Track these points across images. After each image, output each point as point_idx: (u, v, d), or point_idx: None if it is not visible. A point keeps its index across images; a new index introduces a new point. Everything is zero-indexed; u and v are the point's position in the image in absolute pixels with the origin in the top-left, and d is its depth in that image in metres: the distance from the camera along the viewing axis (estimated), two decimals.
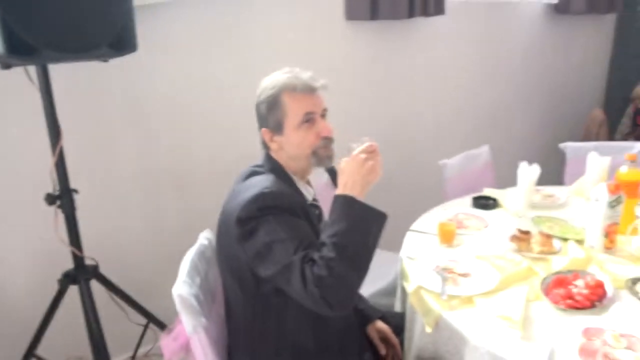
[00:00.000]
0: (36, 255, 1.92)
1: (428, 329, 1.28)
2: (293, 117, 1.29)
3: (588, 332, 1.13)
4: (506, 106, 3.26)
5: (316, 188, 1.60)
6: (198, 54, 2.13)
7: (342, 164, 1.21)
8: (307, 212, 1.27)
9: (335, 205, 1.17)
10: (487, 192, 2.03)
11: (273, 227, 1.16)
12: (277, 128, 1.31)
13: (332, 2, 2.42)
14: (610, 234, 1.49)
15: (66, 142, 1.64)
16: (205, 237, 1.49)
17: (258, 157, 1.40)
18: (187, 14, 2.05)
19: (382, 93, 2.71)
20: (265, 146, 1.37)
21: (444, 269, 1.42)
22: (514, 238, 1.53)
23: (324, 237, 1.14)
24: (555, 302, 1.26)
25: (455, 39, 2.89)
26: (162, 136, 2.12)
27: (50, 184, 1.66)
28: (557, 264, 1.44)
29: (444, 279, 1.35)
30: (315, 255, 1.11)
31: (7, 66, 1.43)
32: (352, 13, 2.41)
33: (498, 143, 2.72)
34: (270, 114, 1.31)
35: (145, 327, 2.00)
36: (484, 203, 1.92)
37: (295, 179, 1.36)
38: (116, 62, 1.62)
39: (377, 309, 1.62)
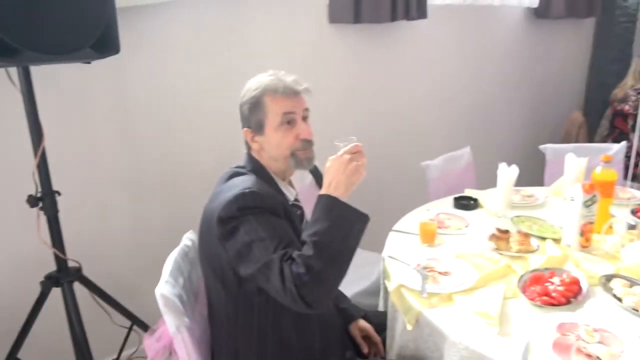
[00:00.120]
0: (18, 257, 1.90)
1: (409, 327, 1.30)
2: (273, 118, 1.32)
3: (562, 327, 1.16)
4: (487, 108, 3.32)
5: (300, 188, 1.62)
6: (182, 57, 2.13)
7: (328, 164, 1.22)
8: (289, 212, 1.29)
9: (318, 205, 1.18)
10: (469, 192, 2.07)
11: (253, 227, 1.17)
12: (258, 128, 1.34)
13: (315, 5, 2.44)
14: (585, 232, 1.53)
15: (49, 143, 1.63)
16: (189, 238, 1.50)
17: (241, 159, 1.42)
18: (170, 17, 2.06)
19: (365, 95, 2.74)
20: (248, 146, 1.39)
21: (425, 268, 1.44)
22: (493, 237, 1.57)
23: (305, 235, 1.15)
24: (532, 299, 1.29)
25: (438, 42, 2.93)
26: (146, 138, 2.12)
27: (32, 186, 1.65)
28: (535, 262, 1.48)
29: (424, 278, 1.38)
30: (295, 254, 1.12)
31: None
32: (336, 16, 2.43)
33: (480, 145, 2.77)
34: (252, 114, 1.34)
35: (130, 329, 1.99)
36: (465, 203, 1.96)
37: (277, 179, 1.38)
38: (99, 64, 1.62)
39: (360, 308, 1.64)
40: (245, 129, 1.37)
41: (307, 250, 1.11)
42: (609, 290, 1.33)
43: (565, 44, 3.64)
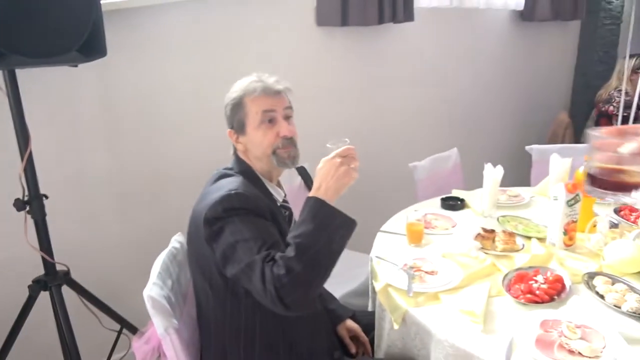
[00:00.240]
0: (5, 261, 1.89)
1: (395, 325, 1.31)
2: (253, 117, 1.35)
3: (545, 324, 1.18)
4: (475, 110, 3.35)
5: (289, 190, 1.63)
6: (169, 59, 2.13)
7: (319, 165, 1.22)
8: (275, 213, 1.30)
9: (305, 206, 1.18)
10: (456, 193, 2.09)
11: (238, 228, 1.18)
12: (240, 128, 1.37)
13: (303, 8, 2.45)
14: (569, 231, 1.56)
15: (35, 147, 1.63)
16: (177, 241, 1.51)
17: (230, 161, 1.44)
18: (157, 20, 2.06)
19: (353, 97, 2.76)
20: (235, 148, 1.41)
21: (411, 268, 1.46)
22: (479, 236, 1.59)
23: (289, 237, 1.16)
24: (516, 297, 1.31)
25: (425, 45, 2.96)
26: (133, 140, 2.12)
27: (19, 189, 1.64)
28: (520, 260, 1.50)
29: (411, 277, 1.39)
30: (277, 255, 1.13)
31: None
32: (323, 19, 2.45)
33: (467, 146, 2.80)
34: (233, 115, 1.38)
35: (119, 332, 1.98)
36: (452, 204, 1.98)
37: (264, 180, 1.40)
38: (86, 67, 1.63)
39: (349, 308, 1.66)
40: (229, 130, 1.41)
41: (289, 252, 1.12)
42: (591, 287, 1.35)
43: (551, 46, 3.69)
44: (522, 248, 1.58)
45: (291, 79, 1.44)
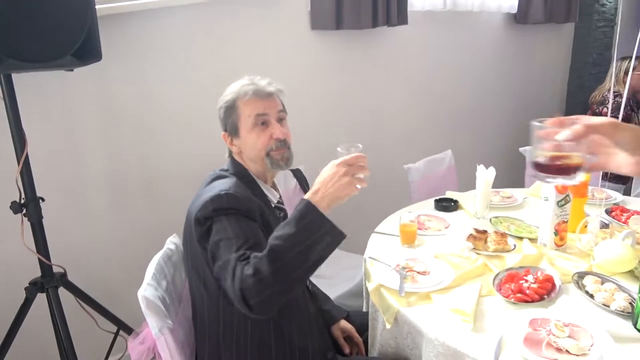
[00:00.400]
0: (2, 263, 1.90)
1: (388, 325, 1.33)
2: (246, 120, 1.37)
3: (534, 323, 1.19)
4: (469, 112, 3.37)
5: (285, 192, 1.65)
6: (164, 63, 2.16)
7: (326, 167, 1.17)
8: (266, 215, 1.31)
9: (296, 207, 1.15)
10: (449, 194, 2.11)
11: (224, 226, 1.19)
12: (234, 131, 1.39)
13: (297, 12, 2.48)
14: (559, 231, 1.58)
15: (32, 150, 1.65)
16: (172, 242, 1.52)
17: (225, 163, 1.46)
18: (152, 24, 2.08)
19: (348, 100, 2.78)
20: (230, 150, 1.43)
21: (404, 268, 1.47)
22: (471, 237, 1.60)
23: (270, 237, 1.13)
24: (506, 296, 1.32)
25: (419, 48, 2.98)
26: (129, 143, 2.14)
27: (16, 192, 1.66)
28: (511, 260, 1.51)
29: (403, 277, 1.41)
30: (252, 255, 1.11)
31: None
32: (317, 23, 2.47)
33: (461, 147, 2.82)
34: (227, 118, 1.41)
35: (116, 334, 1.99)
36: (446, 205, 2.00)
37: (259, 181, 1.42)
38: (82, 71, 1.64)
39: (343, 309, 1.67)
40: (223, 133, 1.43)
41: (262, 253, 1.09)
42: (581, 287, 1.37)
43: (546, 49, 3.71)
44: (514, 248, 1.60)
45: (286, 82, 1.46)
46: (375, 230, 1.82)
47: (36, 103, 1.84)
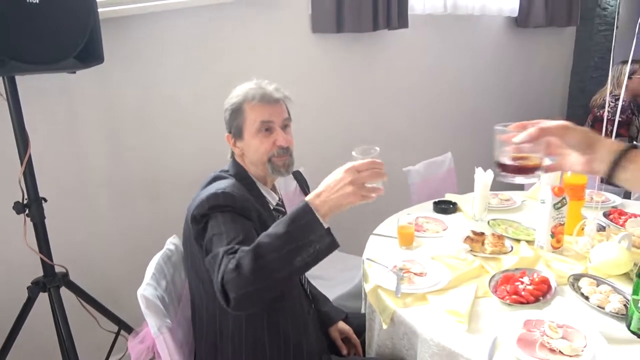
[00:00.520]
0: (5, 263, 1.93)
1: (384, 326, 1.34)
2: (251, 124, 1.38)
3: (528, 324, 1.21)
4: (470, 115, 3.38)
5: (285, 195, 1.67)
6: (166, 65, 2.18)
7: (338, 169, 1.11)
8: (263, 217, 1.32)
9: (295, 207, 1.11)
10: (449, 197, 2.12)
11: (218, 222, 1.20)
12: (238, 134, 1.40)
13: (298, 15, 2.50)
14: (556, 234, 1.59)
15: (35, 151, 1.67)
16: (172, 243, 1.54)
17: (226, 164, 1.47)
18: (154, 27, 2.11)
19: (348, 103, 2.80)
20: (232, 152, 1.45)
21: (401, 269, 1.49)
22: (468, 239, 1.62)
23: (263, 233, 1.10)
24: (502, 298, 1.33)
25: (419, 51, 2.99)
26: (130, 145, 2.16)
27: (19, 193, 1.68)
28: (508, 262, 1.53)
29: (400, 278, 1.42)
30: (240, 249, 1.09)
31: None
32: (318, 26, 2.49)
33: (461, 150, 2.83)
34: (232, 120, 1.41)
35: (117, 334, 2.01)
36: (445, 207, 2.01)
37: (259, 184, 1.43)
38: (84, 73, 1.67)
39: (341, 310, 1.69)
40: (227, 134, 1.44)
41: (248, 247, 1.07)
42: (577, 289, 1.38)
43: (547, 52, 3.72)
44: (511, 250, 1.61)
45: (287, 84, 1.48)
46: (374, 232, 1.83)
47: (39, 105, 1.86)
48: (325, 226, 1.07)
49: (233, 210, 1.23)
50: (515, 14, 3.29)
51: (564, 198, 1.57)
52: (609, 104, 3.32)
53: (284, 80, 1.54)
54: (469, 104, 3.35)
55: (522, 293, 1.33)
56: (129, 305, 1.79)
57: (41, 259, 1.74)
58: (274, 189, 1.51)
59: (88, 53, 1.55)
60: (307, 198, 1.09)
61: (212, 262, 1.14)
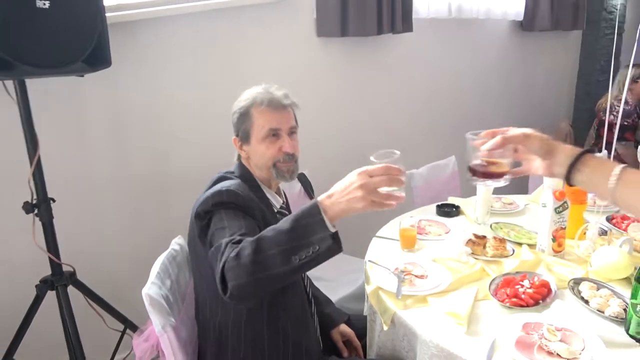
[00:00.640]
0: (14, 262, 1.96)
1: (385, 327, 1.36)
2: (258, 130, 1.39)
3: (527, 327, 1.22)
4: (473, 119, 3.38)
5: (290, 197, 1.69)
6: (172, 69, 2.21)
7: (353, 172, 1.07)
8: (267, 218, 1.34)
9: (306, 205, 1.09)
10: (452, 200, 2.13)
11: (221, 218, 1.22)
12: (245, 138, 1.42)
13: (303, 19, 2.52)
14: (557, 238, 1.59)
15: (44, 152, 1.70)
16: (177, 243, 1.57)
17: (232, 166, 1.50)
18: (161, 31, 2.14)
19: (352, 106, 2.82)
20: (239, 154, 1.47)
21: (402, 272, 1.50)
22: (469, 242, 1.63)
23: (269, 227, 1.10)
24: (502, 301, 1.34)
25: (424, 55, 3.00)
26: (137, 147, 2.19)
27: (28, 193, 1.72)
28: (509, 266, 1.54)
29: (401, 280, 1.44)
30: (244, 239, 1.09)
31: None
32: (323, 30, 2.51)
33: (465, 154, 2.83)
34: (240, 124, 1.43)
35: (123, 332, 2.04)
36: (447, 210, 2.02)
37: (263, 186, 1.45)
38: (92, 77, 1.70)
39: (344, 312, 1.70)
40: (234, 137, 1.46)
41: (251, 239, 1.07)
42: (576, 293, 1.38)
43: (552, 56, 3.72)
44: (512, 254, 1.62)
45: (291, 88, 1.49)
46: (377, 234, 1.85)
47: (48, 107, 1.90)
48: (332, 229, 1.04)
49: (237, 207, 1.25)
50: (521, 17, 3.29)
51: (565, 202, 1.58)
52: (615, 108, 3.32)
53: (289, 83, 1.56)
54: (473, 107, 3.36)
55: (522, 296, 1.34)
56: (135, 305, 1.81)
57: (49, 257, 1.77)
58: (278, 192, 1.53)
59: (96, 57, 1.58)
60: (319, 198, 1.06)
61: (214, 252, 1.14)
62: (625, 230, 1.79)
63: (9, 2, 1.38)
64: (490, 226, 1.85)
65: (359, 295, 2.01)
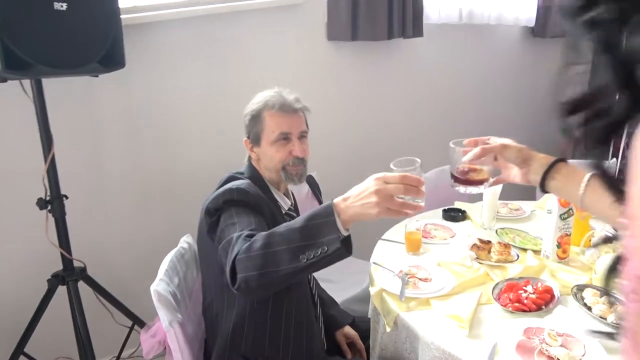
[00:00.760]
0: (27, 256, 2.00)
1: (387, 328, 1.37)
2: (269, 133, 1.42)
3: (529, 331, 1.23)
4: (483, 125, 3.37)
5: (297, 198, 1.71)
6: (184, 71, 2.24)
7: (370, 177, 1.06)
8: (277, 218, 1.36)
9: (321, 205, 1.10)
10: (458, 205, 2.14)
11: (231, 215, 1.25)
12: (256, 140, 1.45)
13: (314, 23, 2.54)
14: (562, 244, 1.60)
15: (58, 150, 1.74)
16: (185, 241, 1.60)
17: (242, 167, 1.53)
18: (173, 33, 2.17)
19: (362, 110, 2.83)
20: (249, 155, 1.50)
21: (406, 274, 1.52)
22: (474, 247, 1.64)
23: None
24: (504, 305, 1.35)
25: (434, 60, 3.00)
26: (148, 146, 2.23)
27: (42, 190, 1.76)
28: (513, 271, 1.54)
29: (404, 283, 1.45)
30: (256, 234, 1.11)
31: (4, 80, 1.54)
32: (334, 34, 2.53)
33: None
34: (251, 126, 1.46)
35: (131, 328, 2.07)
36: (453, 215, 2.03)
37: (272, 188, 1.48)
38: (106, 77, 1.74)
39: (349, 314, 1.72)
40: (245, 139, 1.49)
41: (263, 233, 1.09)
42: (579, 299, 1.39)
43: (564, 62, 3.70)
44: (517, 259, 1.62)
45: (301, 90, 1.52)
46: (382, 237, 1.86)
47: (63, 106, 1.94)
48: (344, 232, 1.04)
49: (247, 205, 1.28)
50: (532, 23, 3.28)
51: (570, 209, 1.58)
52: None
53: (299, 86, 1.58)
54: (483, 113, 3.35)
55: (525, 301, 1.35)
56: (143, 302, 1.85)
57: (61, 253, 1.81)
58: (286, 193, 1.55)
59: (110, 58, 1.62)
60: (335, 200, 1.06)
61: (225, 245, 1.16)
62: None
63: (27, 4, 1.42)
64: (496, 231, 1.86)
65: (364, 298, 2.02)
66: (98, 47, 1.58)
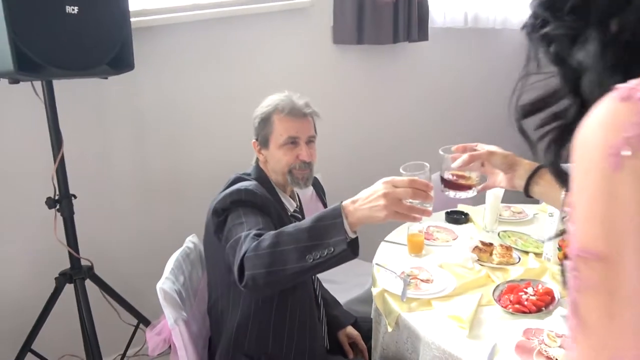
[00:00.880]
0: (36, 254, 2.03)
1: (389, 329, 1.39)
2: (277, 137, 1.44)
3: (528, 332, 1.24)
4: (488, 128, 3.37)
5: (302, 200, 1.73)
6: (191, 74, 2.26)
7: (380, 181, 1.08)
8: (283, 219, 1.38)
9: (330, 206, 1.12)
10: (461, 207, 2.15)
11: (238, 215, 1.28)
12: (264, 142, 1.47)
13: (320, 26, 2.56)
14: (563, 247, 1.61)
15: (67, 150, 1.77)
16: (191, 241, 1.63)
17: (249, 168, 1.55)
18: (181, 36, 2.20)
19: (367, 114, 2.84)
20: (257, 157, 1.53)
21: (408, 275, 1.54)
22: (476, 249, 1.65)
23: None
24: (505, 307, 1.37)
25: (439, 64, 3.02)
26: (156, 147, 2.26)
27: (51, 189, 1.79)
28: (514, 273, 1.56)
29: (406, 284, 1.47)
30: (265, 233, 1.14)
31: (16, 81, 1.57)
32: (339, 37, 2.55)
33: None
34: (260, 128, 1.48)
35: (136, 327, 2.09)
36: (456, 217, 2.04)
37: (278, 190, 1.50)
38: (115, 79, 1.77)
39: (351, 314, 1.73)
40: (254, 141, 1.52)
41: (272, 233, 1.12)
42: None
43: None
44: (518, 262, 1.64)
45: (307, 94, 1.54)
46: (385, 239, 1.88)
47: (73, 107, 1.97)
48: (352, 235, 1.06)
49: (254, 206, 1.30)
50: None
51: None
52: None
53: (305, 88, 1.60)
54: (488, 117, 3.35)
55: (525, 303, 1.37)
56: (149, 300, 1.87)
57: (69, 251, 1.84)
58: (292, 195, 1.58)
59: (120, 60, 1.65)
60: (344, 202, 1.09)
61: (233, 244, 1.19)
62: None
63: (40, 8, 1.45)
64: (498, 234, 1.87)
65: (367, 298, 2.04)
66: (108, 49, 1.61)
